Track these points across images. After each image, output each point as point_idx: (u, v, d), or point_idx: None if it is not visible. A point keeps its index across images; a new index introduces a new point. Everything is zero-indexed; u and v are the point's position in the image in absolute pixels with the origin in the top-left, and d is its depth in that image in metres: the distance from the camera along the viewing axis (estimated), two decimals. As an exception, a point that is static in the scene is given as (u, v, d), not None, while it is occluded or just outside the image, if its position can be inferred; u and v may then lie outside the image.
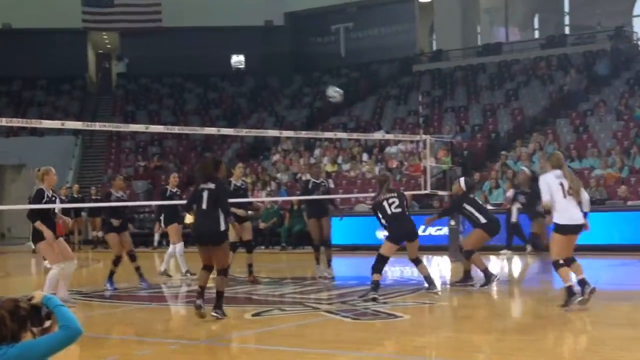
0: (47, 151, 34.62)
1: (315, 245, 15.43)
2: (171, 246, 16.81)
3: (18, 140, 35.82)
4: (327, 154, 30.50)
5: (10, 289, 15.36)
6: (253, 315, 10.92)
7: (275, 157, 32.16)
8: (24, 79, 42.10)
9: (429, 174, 18.37)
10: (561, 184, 10.39)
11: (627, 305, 11.27)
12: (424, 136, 18.67)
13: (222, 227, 10.20)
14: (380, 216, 12.28)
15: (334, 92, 16.44)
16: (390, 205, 12.24)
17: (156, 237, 26.38)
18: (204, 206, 10.23)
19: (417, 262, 12.50)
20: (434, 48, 42.69)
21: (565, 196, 10.33)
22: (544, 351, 8.14)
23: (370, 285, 12.06)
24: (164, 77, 43.75)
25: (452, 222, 18.10)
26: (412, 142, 27.39)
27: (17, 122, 13.40)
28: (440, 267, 17.67)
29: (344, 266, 18.66)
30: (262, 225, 25.02)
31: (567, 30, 41.37)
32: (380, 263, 12.13)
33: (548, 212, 10.49)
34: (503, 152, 26.21)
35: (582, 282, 10.38)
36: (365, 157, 29.58)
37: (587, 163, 24.29)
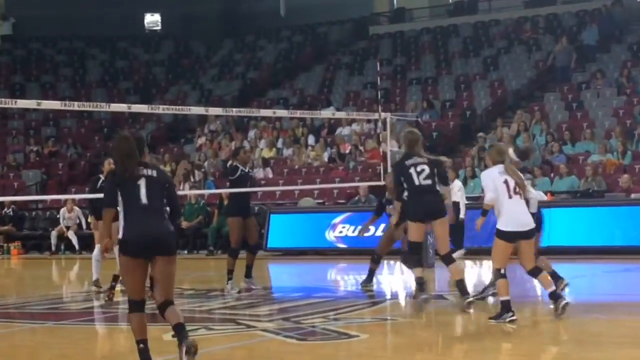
0: None
1: (235, 252, 14.99)
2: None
3: None
4: (264, 136, 30.43)
5: None
6: (173, 336, 10.82)
7: (201, 141, 32.00)
8: None
9: (389, 161, 18.40)
10: (506, 182, 10.61)
11: (633, 321, 11.38)
12: (383, 114, 18.70)
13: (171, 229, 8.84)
14: (405, 185, 12.13)
15: None
16: (419, 174, 12.11)
17: (53, 240, 26.11)
18: (144, 200, 8.75)
19: (448, 259, 12.17)
20: (395, 6, 42.75)
21: (511, 196, 10.60)
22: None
23: (416, 286, 12.33)
24: (60, 40, 43.23)
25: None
26: (369, 121, 27.42)
27: None
28: (405, 275, 17.71)
29: (285, 274, 18.66)
30: (184, 224, 24.83)
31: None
32: (415, 253, 12.28)
33: (486, 213, 10.80)
34: (480, 134, 26.35)
35: (552, 296, 10.91)
36: (311, 140, 29.55)
37: (582, 147, 24.54)
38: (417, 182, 12.04)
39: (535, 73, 31.78)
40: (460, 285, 12.13)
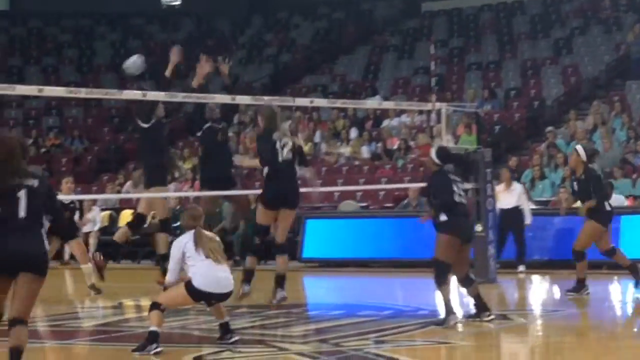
0: None
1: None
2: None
3: None
4: (299, 128, 30.46)
5: None
6: (195, 359, 10.89)
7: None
8: None
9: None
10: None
11: None
12: (437, 104, 18.68)
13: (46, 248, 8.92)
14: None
15: (131, 63, 17.13)
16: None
17: (66, 246, 26.26)
18: (22, 214, 8.69)
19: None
20: (453, -21, 42.74)
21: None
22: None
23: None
24: (64, 17, 43.49)
25: (479, 227, 18.10)
26: (420, 112, 27.40)
27: None
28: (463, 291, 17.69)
29: (322, 289, 18.68)
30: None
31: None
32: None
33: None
34: (550, 128, 26.27)
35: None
36: (353, 133, 29.54)
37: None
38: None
39: (615, 58, 31.61)
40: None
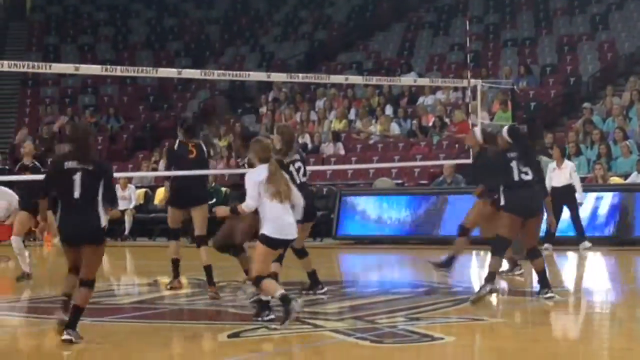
0: None
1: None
2: None
3: None
4: (334, 106, 30.45)
5: None
6: (229, 336, 10.92)
7: (262, 111, 32.11)
8: None
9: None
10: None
11: None
12: (472, 81, 18.64)
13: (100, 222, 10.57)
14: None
15: None
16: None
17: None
18: (76, 194, 10.40)
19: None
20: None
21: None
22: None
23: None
24: (101, -5, 43.62)
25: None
26: (456, 89, 27.33)
27: None
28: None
29: (357, 266, 18.70)
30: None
31: None
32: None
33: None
34: (586, 105, 26.17)
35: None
36: (388, 110, 29.51)
37: None
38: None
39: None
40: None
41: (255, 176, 10.91)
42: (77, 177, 10.28)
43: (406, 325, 11.27)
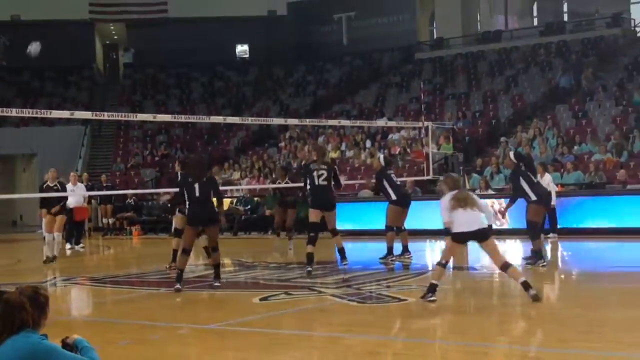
0: (57, 140, 34.73)
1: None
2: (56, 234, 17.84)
3: (28, 130, 35.74)
4: (330, 141, 30.48)
5: (24, 276, 15.40)
6: (261, 299, 10.94)
7: (281, 145, 32.14)
8: (32, 70, 41.95)
9: (431, 160, 18.38)
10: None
11: (623, 287, 11.26)
12: (425, 123, 18.70)
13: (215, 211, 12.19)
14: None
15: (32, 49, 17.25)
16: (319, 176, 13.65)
17: (174, 223, 26.24)
18: (197, 194, 11.99)
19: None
20: (435, 36, 42.57)
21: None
22: (547, 333, 8.16)
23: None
24: (170, 67, 43.69)
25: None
26: (414, 128, 27.37)
27: (27, 113, 13.48)
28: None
29: (348, 251, 18.65)
30: (267, 212, 24.97)
31: (565, 17, 41.21)
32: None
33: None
34: (503, 138, 26.19)
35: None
36: (368, 143, 29.53)
37: (587, 148, 24.27)
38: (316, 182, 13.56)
39: (548, 89, 31.46)
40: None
41: (447, 201, 10.08)
42: (196, 186, 11.99)
43: (382, 291, 11.29)
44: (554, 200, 18.56)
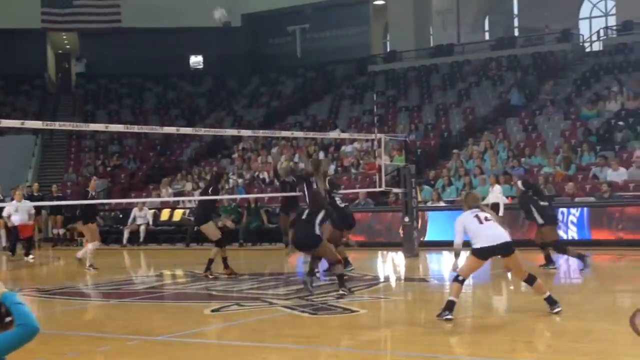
0: (7, 150, 34.25)
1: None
2: (90, 243, 17.89)
3: (-23, 139, 35.25)
4: (284, 152, 30.46)
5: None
6: (212, 310, 10.90)
7: (234, 156, 32.04)
8: (-17, 79, 41.45)
9: (383, 172, 18.44)
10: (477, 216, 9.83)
11: (577, 296, 11.39)
12: (378, 135, 18.73)
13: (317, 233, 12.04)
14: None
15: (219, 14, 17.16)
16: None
17: (125, 234, 26.08)
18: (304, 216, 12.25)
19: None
20: (388, 49, 42.81)
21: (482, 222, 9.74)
22: (497, 345, 8.22)
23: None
24: (123, 77, 43.38)
25: (407, 219, 18.19)
26: (367, 140, 27.44)
27: (-24, 122, 13.25)
28: (396, 263, 17.74)
29: (300, 262, 18.63)
30: (220, 223, 24.90)
31: (516, 32, 41.71)
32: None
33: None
34: (455, 151, 26.37)
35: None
36: (321, 155, 29.54)
37: (536, 161, 24.53)
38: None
39: (499, 102, 31.74)
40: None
41: (463, 219, 9.75)
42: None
43: (333, 302, 11.29)
44: (501, 212, 18.81)
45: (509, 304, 11.49)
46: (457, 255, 9.75)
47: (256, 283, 14.15)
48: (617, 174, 21.78)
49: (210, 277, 14.57)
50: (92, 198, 17.94)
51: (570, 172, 22.83)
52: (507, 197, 20.65)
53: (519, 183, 15.19)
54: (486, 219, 9.69)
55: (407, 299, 12.10)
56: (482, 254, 9.54)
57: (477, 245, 9.50)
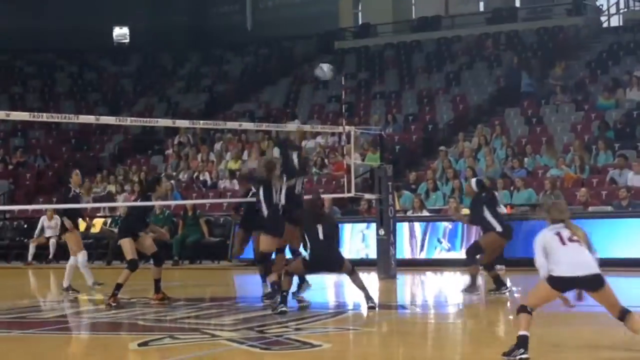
0: None
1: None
2: (71, 258, 17.17)
3: None
4: (230, 148, 30.39)
5: None
6: (139, 345, 10.81)
7: (168, 153, 31.91)
8: None
9: (353, 174, 18.45)
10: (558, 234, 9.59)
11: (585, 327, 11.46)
12: (347, 128, 18.72)
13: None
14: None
15: (323, 71, 16.85)
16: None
17: (31, 250, 25.82)
18: (321, 237, 13.10)
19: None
20: (360, 22, 42.89)
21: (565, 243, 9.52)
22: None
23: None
24: (29, 52, 43.00)
25: (382, 232, 18.22)
26: (333, 134, 27.46)
27: None
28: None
29: (249, 284, 18.62)
30: (151, 235, 24.79)
31: (517, 3, 41.96)
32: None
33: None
34: (442, 148, 26.46)
35: None
36: (276, 152, 29.47)
37: (542, 161, 24.70)
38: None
39: (496, 88, 31.92)
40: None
41: (544, 237, 9.46)
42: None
43: (290, 335, 11.27)
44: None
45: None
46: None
47: (194, 311, 14.08)
48: (639, 178, 21.99)
49: (113, 304, 14.38)
50: None
51: (583, 175, 23.00)
52: (506, 206, 20.73)
53: (473, 182, 15.73)
54: (570, 239, 9.43)
55: (382, 330, 12.10)
56: (560, 284, 9.29)
57: (555, 272, 9.25)
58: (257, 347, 10.45)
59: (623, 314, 9.31)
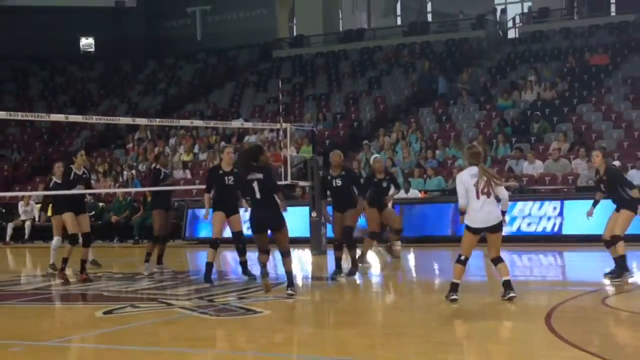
0: None
1: (156, 238, 15.29)
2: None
3: None
4: (183, 142, 30.25)
5: None
6: (104, 313, 10.76)
7: (129, 147, 31.69)
8: None
9: (289, 164, 18.48)
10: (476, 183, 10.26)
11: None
12: (284, 125, 18.76)
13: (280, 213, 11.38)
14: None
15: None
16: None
17: (9, 231, 25.53)
18: (258, 195, 11.21)
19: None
20: (295, 33, 42.87)
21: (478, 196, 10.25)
22: (407, 344, 8.33)
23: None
24: (5, 59, 42.35)
25: (314, 214, 18.26)
26: (272, 130, 27.46)
27: None
28: (302, 260, 17.80)
29: (201, 260, 18.59)
30: (114, 218, 24.63)
31: (429, 18, 42.21)
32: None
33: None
34: (365, 142, 26.58)
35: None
36: (223, 145, 29.43)
37: (450, 153, 24.92)
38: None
39: (412, 91, 32.11)
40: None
41: (462, 177, 10.38)
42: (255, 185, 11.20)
43: (236, 303, 11.28)
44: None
45: (418, 303, 11.65)
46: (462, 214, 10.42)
47: (153, 283, 14.03)
48: (533, 167, 22.29)
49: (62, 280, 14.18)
50: None
51: (485, 165, 23.24)
52: (420, 192, 20.93)
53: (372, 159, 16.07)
54: (482, 191, 10.21)
55: (315, 298, 12.15)
56: (477, 232, 10.31)
57: (473, 224, 10.28)
58: (207, 313, 10.46)
59: (497, 260, 10.46)
